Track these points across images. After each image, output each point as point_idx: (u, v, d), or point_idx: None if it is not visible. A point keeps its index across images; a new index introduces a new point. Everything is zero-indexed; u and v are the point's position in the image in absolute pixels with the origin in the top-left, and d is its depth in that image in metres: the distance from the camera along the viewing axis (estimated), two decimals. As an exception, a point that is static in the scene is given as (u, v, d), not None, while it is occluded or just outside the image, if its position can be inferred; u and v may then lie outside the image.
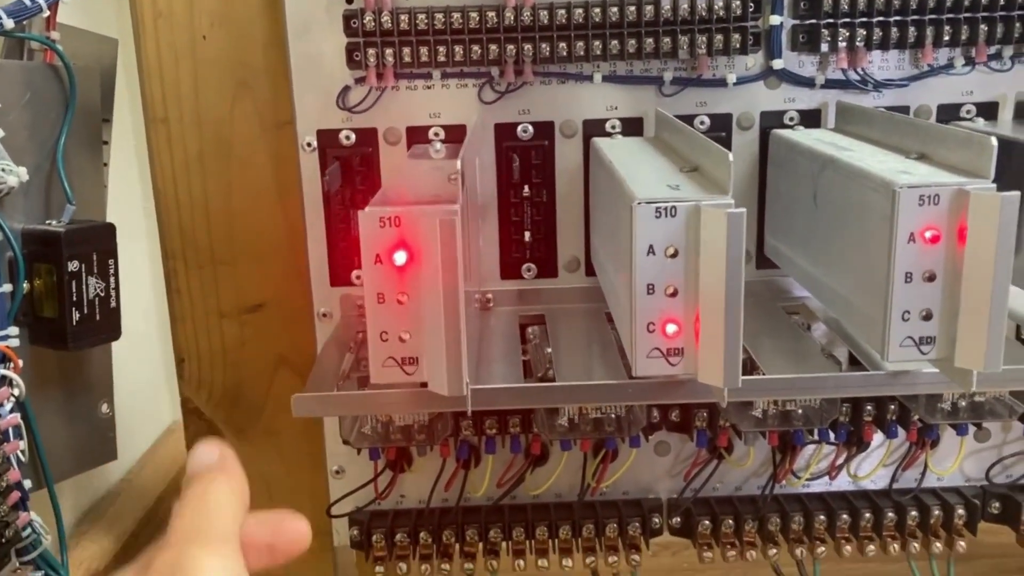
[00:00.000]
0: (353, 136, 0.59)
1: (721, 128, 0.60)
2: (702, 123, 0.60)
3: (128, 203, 0.86)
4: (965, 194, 0.40)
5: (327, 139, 0.59)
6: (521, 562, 0.63)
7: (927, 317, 0.42)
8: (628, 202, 0.42)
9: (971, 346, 0.41)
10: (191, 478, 0.36)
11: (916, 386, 0.48)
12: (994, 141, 0.40)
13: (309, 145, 0.60)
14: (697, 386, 0.44)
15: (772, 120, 0.60)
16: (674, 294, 0.42)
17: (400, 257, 0.41)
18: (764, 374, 0.49)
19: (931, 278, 0.42)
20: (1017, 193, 0.39)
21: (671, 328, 0.43)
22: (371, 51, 0.56)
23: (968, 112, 0.60)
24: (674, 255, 0.42)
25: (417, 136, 0.59)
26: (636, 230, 0.42)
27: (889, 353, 0.43)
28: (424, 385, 0.44)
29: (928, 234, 0.41)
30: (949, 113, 0.60)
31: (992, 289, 0.40)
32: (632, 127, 0.60)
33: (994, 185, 0.41)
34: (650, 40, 0.56)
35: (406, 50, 0.56)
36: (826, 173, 0.49)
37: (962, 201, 0.41)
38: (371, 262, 0.41)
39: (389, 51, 0.56)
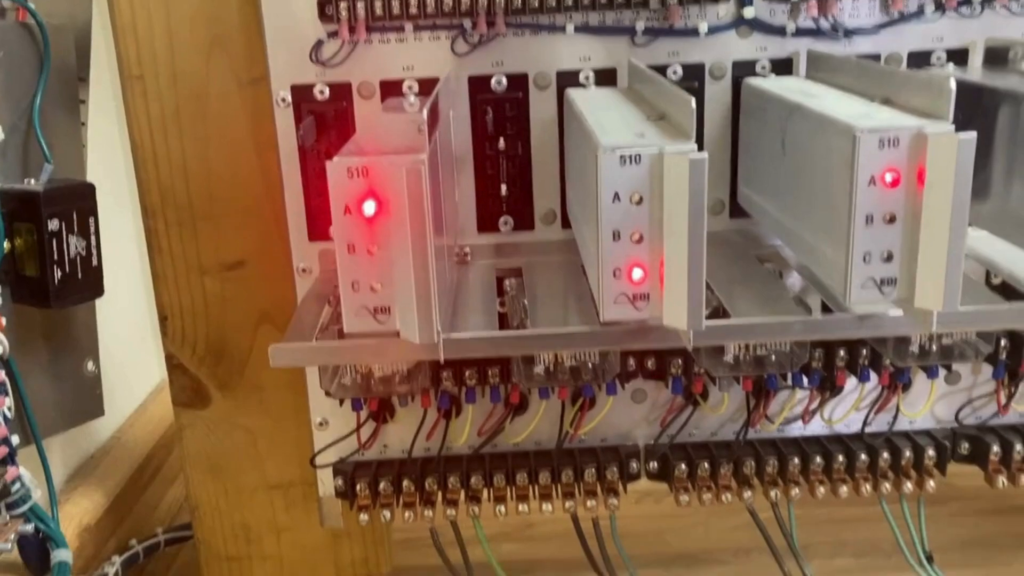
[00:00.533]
0: (327, 90, 0.60)
1: (693, 78, 0.60)
2: (675, 73, 0.60)
3: (112, 161, 0.86)
4: (924, 136, 0.41)
5: (301, 94, 0.60)
6: (502, 508, 0.64)
7: (888, 259, 0.43)
8: (594, 150, 0.42)
9: (930, 286, 0.42)
10: None
11: (882, 328, 0.49)
12: (952, 83, 0.41)
13: (284, 100, 0.60)
14: (665, 331, 0.45)
15: (744, 69, 0.60)
16: (640, 240, 0.43)
17: (369, 207, 0.42)
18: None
19: (891, 220, 0.43)
20: (973, 134, 0.40)
21: (637, 274, 0.43)
22: (343, 4, 0.57)
23: (938, 59, 0.60)
24: (639, 202, 0.43)
25: (391, 90, 0.60)
26: (601, 177, 0.42)
27: (851, 295, 0.44)
28: (398, 334, 0.45)
29: (888, 177, 0.42)
30: (920, 60, 0.60)
31: (950, 230, 0.41)
32: (605, 78, 0.60)
33: (952, 127, 0.41)
34: (621, -11, 0.56)
35: (378, 3, 0.56)
36: (793, 120, 0.50)
37: (921, 143, 0.41)
38: (340, 213, 0.42)
39: (361, 3, 0.56)
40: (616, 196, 0.42)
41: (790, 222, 0.52)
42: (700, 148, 0.42)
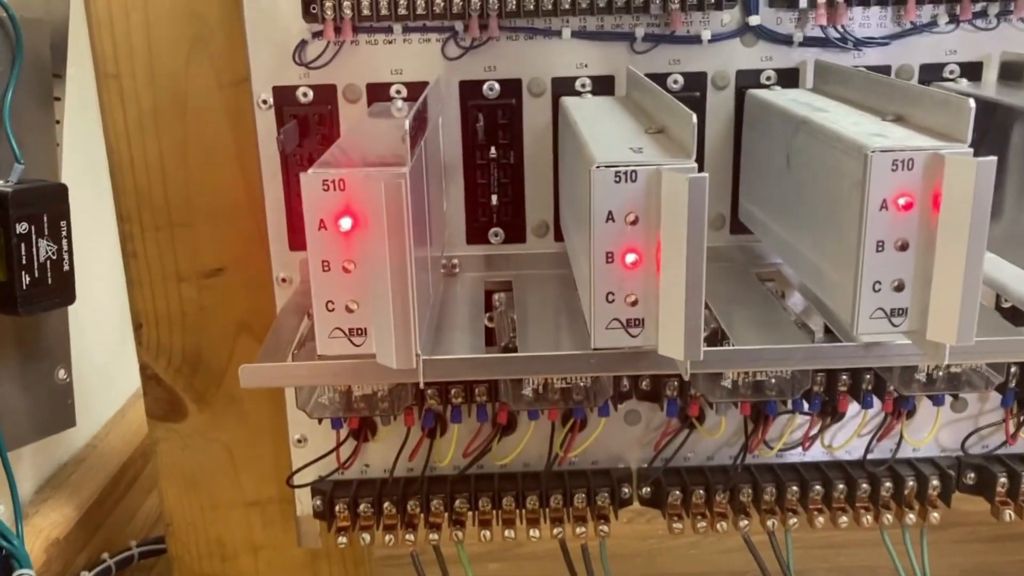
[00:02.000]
0: (311, 93, 0.57)
1: (695, 87, 0.57)
2: (675, 82, 0.57)
3: (90, 162, 0.83)
4: (940, 159, 0.38)
5: (284, 96, 0.57)
6: (487, 532, 0.61)
7: (899, 288, 0.41)
8: (587, 166, 0.40)
9: (944, 318, 0.40)
10: None
11: (888, 358, 0.46)
12: (971, 103, 0.38)
13: (265, 103, 0.57)
14: (660, 357, 0.42)
15: (748, 79, 0.57)
16: (635, 263, 0.40)
17: (345, 223, 0.39)
18: (732, 344, 0.47)
19: (904, 247, 0.40)
20: (994, 158, 0.37)
21: (631, 298, 0.41)
22: (328, 3, 0.54)
23: (951, 72, 0.58)
24: (634, 222, 0.40)
25: (378, 94, 0.57)
26: (595, 195, 0.39)
27: (859, 325, 0.41)
28: (375, 356, 0.42)
29: (901, 201, 0.39)
30: (932, 73, 0.58)
31: (966, 259, 0.38)
32: (603, 86, 0.58)
33: (970, 150, 0.38)
34: (621, -7, 0.54)
35: (365, 2, 0.54)
36: (800, 135, 0.47)
37: (937, 166, 0.39)
38: (315, 228, 0.39)
39: (347, 2, 0.54)
40: (610, 215, 0.40)
41: (794, 242, 0.49)
42: (700, 161, 0.39)
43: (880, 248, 0.40)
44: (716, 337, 0.50)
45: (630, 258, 0.40)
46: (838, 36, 0.57)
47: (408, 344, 0.40)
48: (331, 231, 0.39)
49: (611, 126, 0.47)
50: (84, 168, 0.75)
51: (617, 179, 0.39)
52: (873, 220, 0.40)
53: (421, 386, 0.45)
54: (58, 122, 0.66)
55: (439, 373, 0.45)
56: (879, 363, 0.47)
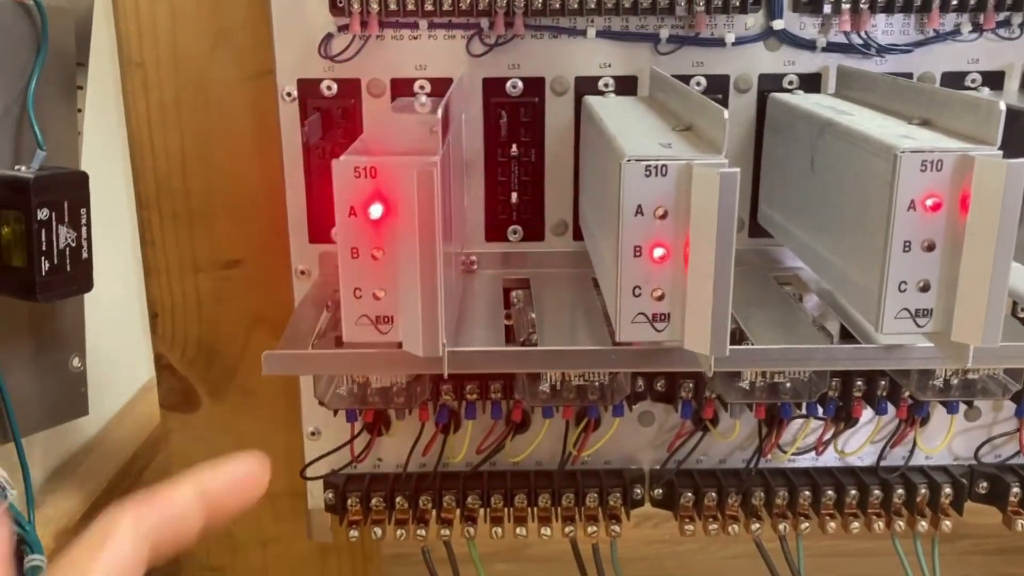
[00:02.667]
0: (335, 87, 0.57)
1: (718, 90, 0.58)
2: (698, 84, 0.58)
3: (108, 151, 0.83)
4: (970, 160, 0.39)
5: (308, 89, 0.57)
6: (499, 530, 0.61)
7: (925, 288, 0.41)
8: (617, 160, 0.40)
9: (969, 320, 0.40)
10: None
11: (909, 360, 0.46)
12: (1002, 105, 0.38)
13: (289, 95, 0.57)
14: (683, 354, 0.42)
15: (770, 83, 0.58)
16: (663, 257, 0.41)
17: (376, 210, 0.39)
18: (753, 345, 0.47)
19: (930, 248, 0.40)
20: (1024, 160, 0.38)
21: (657, 292, 0.41)
22: (355, -3, 0.54)
23: (973, 81, 0.58)
24: (663, 216, 0.40)
25: (402, 89, 0.57)
26: (624, 189, 0.40)
27: (884, 325, 0.41)
28: (399, 345, 0.42)
29: (929, 202, 0.40)
30: (954, 82, 0.58)
31: (994, 261, 0.39)
32: (626, 86, 0.58)
33: (1000, 152, 0.39)
34: (647, -6, 0.54)
35: (392, -3, 0.54)
36: (824, 138, 0.47)
37: (966, 168, 0.39)
38: (345, 215, 0.40)
39: (374, -3, 0.54)
40: (639, 209, 0.40)
41: (817, 245, 0.49)
42: (722, 163, 0.39)
43: (907, 248, 0.40)
44: (735, 338, 0.50)
45: (658, 252, 0.40)
46: (861, 42, 0.57)
47: (435, 332, 0.40)
48: (361, 218, 0.40)
49: (638, 123, 0.47)
50: (100, 156, 0.75)
51: (647, 173, 0.39)
52: (900, 220, 0.40)
53: (445, 376, 0.45)
54: (80, 110, 0.67)
55: (463, 364, 0.45)
56: (899, 365, 0.47)
